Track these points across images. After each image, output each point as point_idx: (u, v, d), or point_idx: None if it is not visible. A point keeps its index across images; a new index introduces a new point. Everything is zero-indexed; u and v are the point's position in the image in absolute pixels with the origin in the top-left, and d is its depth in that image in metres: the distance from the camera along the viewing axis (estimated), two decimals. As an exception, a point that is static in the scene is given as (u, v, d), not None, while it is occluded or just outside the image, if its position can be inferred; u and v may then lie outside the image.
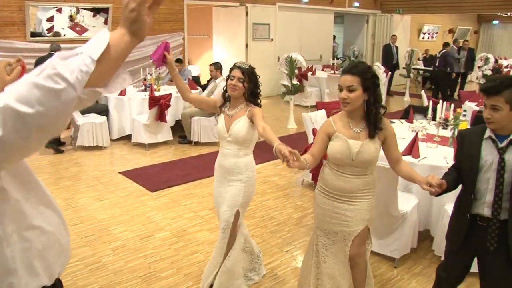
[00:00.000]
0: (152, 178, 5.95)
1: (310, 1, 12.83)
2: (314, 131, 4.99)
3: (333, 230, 2.74)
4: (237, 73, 2.99)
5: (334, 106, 6.46)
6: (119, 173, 6.16)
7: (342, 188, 2.64)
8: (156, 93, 7.72)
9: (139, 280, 3.59)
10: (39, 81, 1.01)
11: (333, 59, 12.72)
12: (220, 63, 7.72)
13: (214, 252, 3.29)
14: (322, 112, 5.81)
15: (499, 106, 2.26)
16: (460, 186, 2.59)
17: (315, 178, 5.22)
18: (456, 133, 3.67)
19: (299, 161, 2.36)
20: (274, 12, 12.12)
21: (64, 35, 9.49)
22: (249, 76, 3.00)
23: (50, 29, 9.50)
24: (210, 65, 7.70)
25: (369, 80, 2.51)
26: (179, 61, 9.61)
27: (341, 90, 2.54)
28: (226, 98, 3.12)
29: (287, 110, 9.30)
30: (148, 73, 8.53)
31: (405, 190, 4.04)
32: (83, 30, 9.82)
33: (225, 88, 3.09)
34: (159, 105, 7.28)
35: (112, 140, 7.70)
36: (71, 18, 9.72)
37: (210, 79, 8.01)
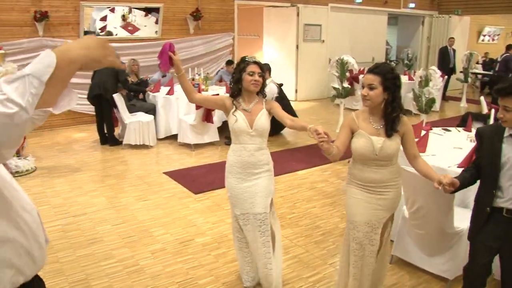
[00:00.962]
0: (196, 180, 5.87)
1: (364, 2, 12.47)
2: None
3: (365, 221, 2.83)
4: (256, 68, 3.03)
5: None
6: (164, 173, 6.12)
7: (373, 179, 2.77)
8: (204, 93, 7.66)
9: (176, 286, 3.48)
10: None
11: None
12: (269, 64, 7.56)
13: (254, 247, 3.19)
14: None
15: (510, 107, 2.41)
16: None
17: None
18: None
19: (329, 145, 2.52)
20: (326, 12, 11.86)
21: (116, 34, 9.63)
22: (265, 70, 3.17)
23: (103, 29, 9.67)
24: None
25: (389, 81, 2.65)
26: (230, 62, 9.54)
27: (363, 87, 2.72)
28: (235, 94, 3.10)
29: (337, 114, 9.03)
30: (197, 73, 8.51)
31: (461, 205, 3.73)
32: (135, 29, 9.93)
33: (232, 83, 3.14)
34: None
35: (158, 139, 7.72)
36: (124, 17, 9.85)
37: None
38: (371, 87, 2.65)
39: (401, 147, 2.81)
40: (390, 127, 2.70)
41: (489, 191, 2.58)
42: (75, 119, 8.71)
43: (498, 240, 2.61)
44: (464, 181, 2.62)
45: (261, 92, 3.14)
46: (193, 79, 8.46)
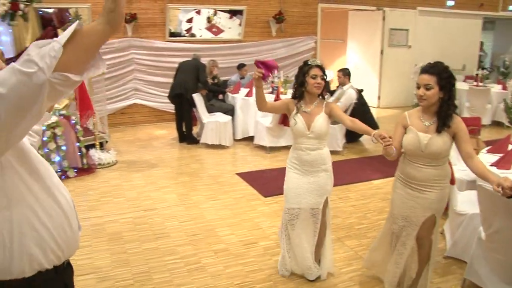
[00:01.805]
0: (267, 183, 5.85)
1: (456, 5, 11.75)
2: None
3: (402, 215, 2.98)
4: (318, 71, 3.18)
5: (466, 123, 5.74)
6: (236, 174, 6.17)
7: (415, 176, 2.88)
8: (282, 96, 7.64)
9: (235, 287, 3.47)
10: (17, 66, 1.13)
11: (479, 69, 11.51)
12: (348, 69, 7.38)
13: (302, 239, 3.45)
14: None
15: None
16: None
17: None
18: None
19: (391, 147, 2.70)
20: (413, 16, 11.34)
21: (200, 36, 9.90)
22: (325, 72, 3.24)
23: (188, 30, 10.00)
24: (338, 71, 7.40)
25: (445, 80, 2.72)
26: (310, 66, 9.43)
27: (418, 87, 2.79)
28: (298, 96, 3.29)
29: (419, 123, 8.59)
30: (276, 76, 8.49)
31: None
32: (219, 31, 10.15)
33: (295, 86, 3.29)
34: (284, 108, 7.18)
35: (235, 140, 7.81)
36: (209, 19, 10.11)
37: (338, 85, 7.70)
38: (427, 87, 2.74)
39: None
40: (442, 123, 2.77)
41: None
42: (157, 117, 9.09)
43: None
44: None
45: (322, 95, 3.28)
46: (272, 82, 8.47)
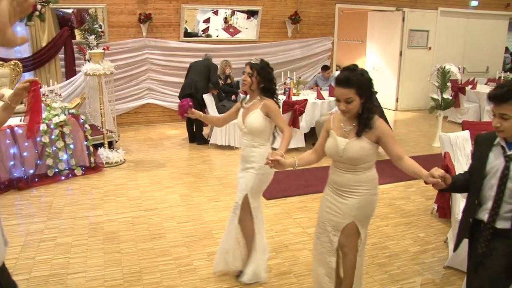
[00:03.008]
0: (271, 186, 5.66)
1: (480, 6, 11.43)
2: (446, 155, 4.29)
3: (326, 219, 2.86)
4: (247, 68, 3.26)
5: (483, 128, 5.55)
6: (242, 175, 6.12)
7: (336, 181, 2.79)
8: (294, 98, 7.56)
9: (223, 293, 3.44)
10: None
11: (503, 72, 11.17)
12: (356, 65, 7.21)
13: (226, 232, 3.56)
14: (466, 133, 4.98)
15: (508, 115, 2.19)
16: None
17: (440, 210, 4.53)
18: None
19: (282, 165, 2.66)
20: (434, 17, 11.08)
21: (217, 36, 9.91)
22: (258, 71, 3.23)
23: (205, 30, 10.02)
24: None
25: (364, 88, 2.60)
26: (326, 67, 9.33)
27: (338, 100, 2.63)
28: (246, 92, 3.40)
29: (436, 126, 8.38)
30: (289, 77, 8.42)
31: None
32: (236, 31, 10.15)
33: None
34: (293, 110, 7.12)
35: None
36: (226, 20, 10.12)
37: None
38: (348, 101, 2.58)
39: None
40: (363, 126, 2.64)
41: (473, 200, 2.43)
42: (171, 116, 9.13)
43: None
44: (457, 181, 2.45)
45: (266, 94, 3.29)
46: (284, 83, 8.40)
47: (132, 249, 4.06)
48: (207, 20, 10.29)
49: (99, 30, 8.20)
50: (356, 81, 2.57)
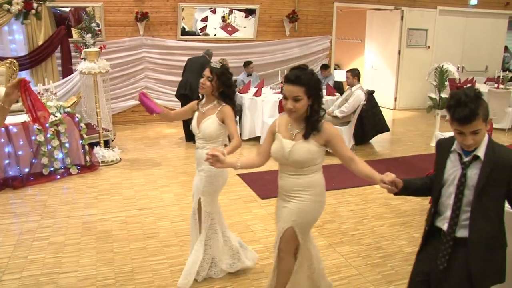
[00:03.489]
0: (267, 185, 5.76)
1: (479, 4, 11.39)
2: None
3: (276, 221, 2.88)
4: (206, 72, 3.21)
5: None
6: (237, 174, 6.10)
7: (281, 185, 2.78)
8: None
9: (214, 292, 3.42)
10: None
11: (502, 71, 11.13)
12: (357, 70, 7.21)
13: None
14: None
15: (480, 129, 2.08)
16: None
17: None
18: None
19: (221, 163, 2.58)
20: (433, 16, 11.04)
21: (215, 35, 9.87)
22: (218, 75, 3.19)
23: (202, 29, 9.99)
24: (347, 71, 7.24)
25: (313, 89, 2.56)
26: (326, 67, 9.30)
27: (285, 98, 2.58)
28: (202, 95, 3.31)
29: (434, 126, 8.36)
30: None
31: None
32: (234, 30, 10.11)
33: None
34: (289, 109, 7.09)
35: (242, 140, 7.69)
36: (223, 18, 10.09)
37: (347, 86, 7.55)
38: (296, 99, 2.53)
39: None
40: (311, 128, 2.60)
41: (432, 207, 2.34)
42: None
43: (431, 262, 2.31)
44: (411, 185, 2.37)
45: (224, 99, 3.25)
46: (281, 82, 8.36)
47: (125, 248, 4.04)
48: (205, 19, 10.25)
49: (96, 28, 8.17)
50: (306, 80, 2.53)
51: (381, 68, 11.47)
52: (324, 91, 8.21)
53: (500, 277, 2.25)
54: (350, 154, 2.63)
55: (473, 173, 2.14)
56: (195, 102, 3.41)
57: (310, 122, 2.60)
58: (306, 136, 2.60)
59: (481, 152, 2.14)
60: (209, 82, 3.19)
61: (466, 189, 2.16)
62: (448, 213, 2.23)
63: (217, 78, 3.19)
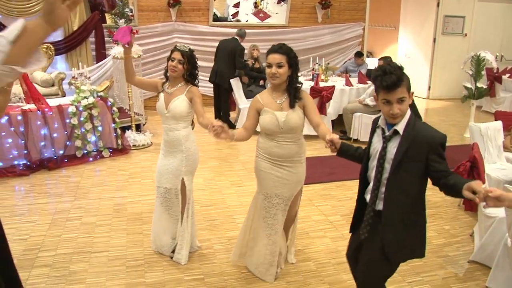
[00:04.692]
0: None
1: (522, -10, 10.98)
2: (474, 146, 4.17)
3: (275, 193, 3.18)
4: (177, 55, 3.31)
5: (506, 117, 5.35)
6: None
7: (280, 154, 3.08)
8: (322, 84, 7.47)
9: (240, 276, 3.45)
10: None
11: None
12: (390, 58, 7.07)
13: (163, 218, 3.64)
14: (498, 124, 4.82)
15: (405, 97, 2.17)
16: None
17: (466, 203, 4.44)
18: None
19: (226, 133, 2.83)
20: (471, 3, 10.68)
21: (246, 21, 9.84)
22: (188, 58, 3.33)
23: (234, 15, 9.96)
24: (379, 59, 7.12)
25: (293, 59, 3.01)
26: (360, 54, 9.17)
27: (269, 66, 2.99)
28: (166, 77, 3.41)
29: (469, 116, 8.14)
30: (317, 63, 8.32)
31: None
32: (266, 16, 10.05)
33: (166, 68, 3.38)
34: (320, 96, 7.04)
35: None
36: (255, 4, 10.02)
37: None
38: (279, 65, 2.96)
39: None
40: (294, 97, 3.02)
41: (363, 181, 2.45)
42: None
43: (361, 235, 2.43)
44: (347, 150, 2.56)
45: (189, 79, 3.37)
46: (313, 69, 8.30)
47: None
48: (237, 5, 10.21)
49: (129, 14, 8.27)
50: (287, 50, 2.99)
51: (414, 56, 11.22)
52: (356, 79, 8.13)
53: (416, 252, 2.38)
54: (318, 120, 3.00)
55: (392, 147, 2.23)
56: (159, 82, 3.49)
57: (292, 91, 3.03)
58: (292, 105, 3.01)
59: (400, 127, 2.22)
60: (181, 65, 3.31)
61: (386, 163, 2.25)
62: (371, 185, 2.34)
63: (187, 60, 3.32)
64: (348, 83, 7.81)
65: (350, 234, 2.63)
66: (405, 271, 3.56)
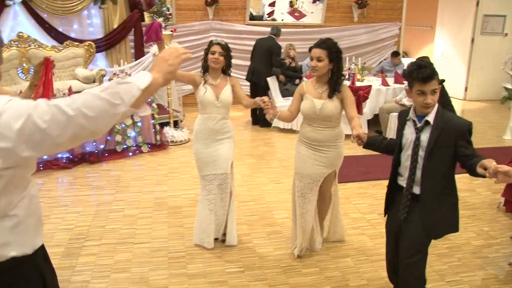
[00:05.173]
0: (341, 169, 5.77)
1: None
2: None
3: (307, 173, 3.47)
4: (217, 48, 3.56)
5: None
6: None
7: (314, 137, 3.39)
8: (358, 83, 7.46)
9: (279, 270, 3.52)
10: (103, 95, 1.42)
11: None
12: (428, 58, 6.98)
13: (217, 203, 3.74)
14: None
15: (436, 89, 2.46)
16: None
17: (507, 205, 4.38)
18: None
19: (273, 109, 3.28)
20: (513, 2, 10.43)
21: (282, 20, 9.88)
22: (227, 50, 3.60)
23: (270, 14, 10.02)
24: (417, 59, 7.04)
25: (334, 54, 3.24)
26: (396, 54, 9.08)
27: (312, 59, 3.28)
28: (205, 70, 3.64)
29: (507, 118, 7.97)
30: (353, 63, 8.30)
31: None
32: (301, 15, 10.08)
33: (204, 61, 3.63)
34: (356, 96, 7.00)
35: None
36: (291, 4, 10.06)
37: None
38: (319, 59, 3.23)
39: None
40: (333, 89, 3.29)
41: (394, 169, 2.75)
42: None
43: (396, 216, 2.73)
44: (374, 141, 2.90)
45: (226, 71, 3.67)
46: (349, 69, 8.28)
47: (194, 224, 4.22)
48: (272, 4, 10.27)
49: (167, 12, 8.42)
50: (329, 45, 3.25)
51: (451, 56, 11.03)
52: (392, 79, 8.07)
53: (452, 228, 2.67)
54: (353, 114, 3.25)
55: (425, 136, 2.52)
56: (197, 74, 3.71)
57: (332, 83, 3.29)
58: (330, 96, 3.29)
59: (430, 117, 2.51)
60: (222, 57, 3.56)
61: (420, 151, 2.55)
62: (407, 173, 2.62)
63: (226, 52, 3.59)
64: (385, 83, 7.77)
65: (385, 217, 2.96)
66: (443, 270, 3.57)
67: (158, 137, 6.42)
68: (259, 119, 7.83)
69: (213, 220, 3.74)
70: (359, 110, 7.07)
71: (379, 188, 5.21)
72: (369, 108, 7.44)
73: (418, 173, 2.56)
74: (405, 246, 2.69)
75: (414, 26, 12.29)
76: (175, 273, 3.47)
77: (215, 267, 3.55)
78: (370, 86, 7.17)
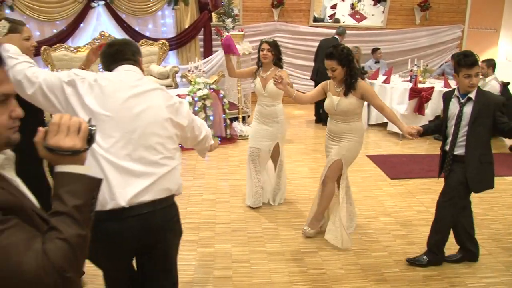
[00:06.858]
0: (395, 167, 6.01)
1: None
2: None
3: (328, 155, 3.98)
4: (265, 46, 4.28)
5: None
6: (367, 156, 6.40)
7: (332, 130, 3.89)
8: (420, 85, 7.60)
9: (352, 252, 3.82)
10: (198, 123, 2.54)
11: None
12: (493, 60, 7.07)
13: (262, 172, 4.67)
14: None
15: (479, 73, 3.24)
16: None
17: None
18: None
19: (284, 85, 3.64)
20: None
21: (343, 22, 10.12)
22: (274, 47, 4.29)
23: (331, 16, 10.28)
24: (482, 61, 7.10)
25: (344, 60, 3.61)
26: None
27: (327, 69, 3.72)
28: (259, 65, 4.40)
29: None
30: (415, 65, 8.42)
31: None
32: (362, 18, 10.27)
33: (258, 58, 4.38)
34: (419, 97, 7.19)
35: (369, 125, 7.97)
36: (352, 6, 10.27)
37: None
38: (333, 70, 3.65)
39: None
40: (348, 87, 3.68)
41: (444, 137, 3.46)
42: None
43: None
44: (428, 128, 3.61)
45: (277, 63, 4.34)
46: (411, 70, 8.42)
47: (269, 210, 4.59)
48: (333, 6, 10.51)
49: (235, 14, 8.86)
50: (336, 55, 3.60)
51: (515, 60, 10.88)
52: (454, 81, 8.12)
53: (490, 184, 3.37)
54: (381, 103, 3.74)
55: (468, 109, 3.25)
56: (254, 68, 4.50)
57: (347, 83, 3.67)
58: (346, 94, 3.68)
59: (472, 95, 3.24)
60: (270, 53, 4.26)
61: (462, 121, 3.28)
62: (450, 138, 3.36)
63: (273, 49, 4.27)
64: (447, 85, 7.85)
65: (438, 179, 3.72)
66: (509, 262, 3.73)
67: (228, 131, 6.84)
68: (322, 117, 8.11)
69: (250, 184, 4.60)
70: (421, 111, 7.24)
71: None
72: (430, 109, 7.55)
73: (460, 138, 3.30)
74: (443, 191, 3.50)
75: (478, 29, 12.16)
76: (255, 250, 3.84)
77: (291, 247, 3.89)
78: (433, 87, 7.32)
